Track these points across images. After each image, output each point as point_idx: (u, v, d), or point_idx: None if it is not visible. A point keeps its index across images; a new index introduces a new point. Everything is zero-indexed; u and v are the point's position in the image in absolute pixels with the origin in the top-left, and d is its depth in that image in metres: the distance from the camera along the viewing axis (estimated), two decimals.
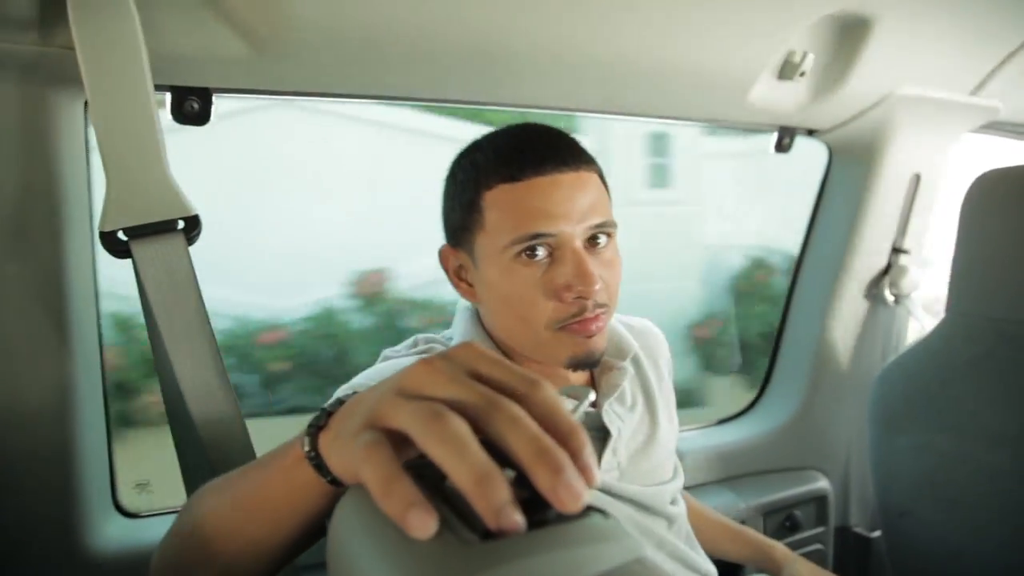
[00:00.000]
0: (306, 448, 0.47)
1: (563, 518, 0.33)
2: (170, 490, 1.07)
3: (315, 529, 0.54)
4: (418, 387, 0.39)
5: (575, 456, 0.35)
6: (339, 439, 0.43)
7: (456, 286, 0.89)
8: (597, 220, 0.80)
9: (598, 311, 0.80)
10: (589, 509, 0.35)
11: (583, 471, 0.34)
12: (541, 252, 0.79)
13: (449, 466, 0.34)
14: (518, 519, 0.32)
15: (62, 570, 1.00)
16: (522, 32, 0.95)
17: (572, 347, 0.81)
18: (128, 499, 1.09)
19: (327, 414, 0.48)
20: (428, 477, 0.36)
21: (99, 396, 1.02)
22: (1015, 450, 1.09)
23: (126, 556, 1.02)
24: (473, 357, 0.40)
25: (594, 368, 0.89)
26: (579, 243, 0.80)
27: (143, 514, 1.09)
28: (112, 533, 1.04)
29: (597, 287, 0.78)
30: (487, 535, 0.32)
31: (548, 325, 0.80)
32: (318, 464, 0.46)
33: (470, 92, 1.08)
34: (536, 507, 0.33)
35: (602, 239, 0.82)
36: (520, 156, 0.80)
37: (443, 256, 0.89)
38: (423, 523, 0.32)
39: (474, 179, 0.82)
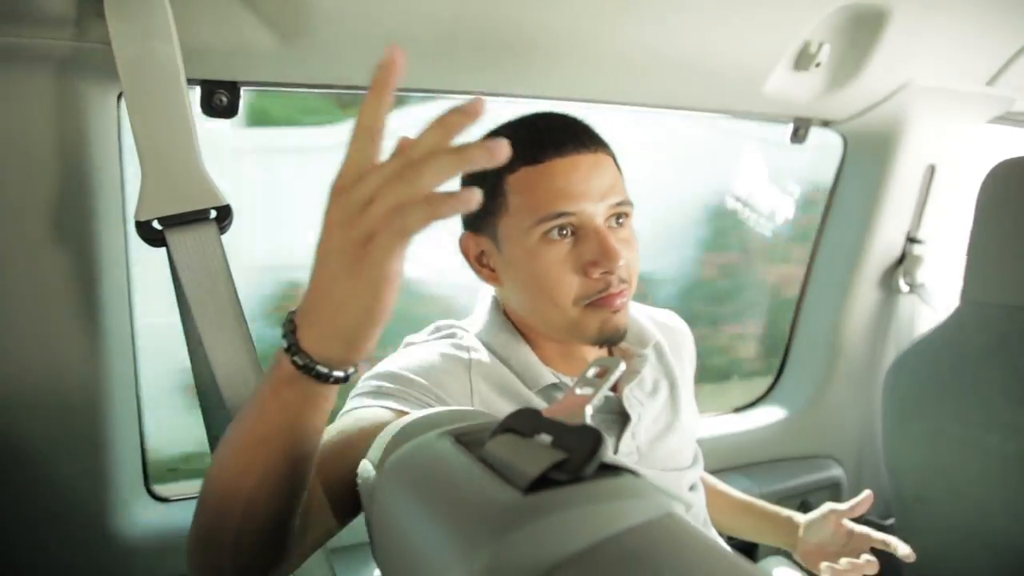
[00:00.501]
0: (284, 345, 0.53)
1: (598, 476, 0.35)
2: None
3: (340, 507, 0.61)
4: (352, 173, 0.50)
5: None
6: (337, 288, 0.51)
7: (478, 272, 0.91)
8: (616, 199, 0.83)
9: (621, 287, 0.83)
10: (622, 469, 0.37)
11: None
12: (565, 231, 0.82)
13: (434, 170, 0.48)
14: (503, 146, 0.47)
15: (95, 554, 1.03)
16: (540, 23, 0.97)
17: (599, 322, 0.84)
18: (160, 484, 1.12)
19: (290, 320, 0.54)
20: (467, 443, 0.38)
21: (132, 383, 1.04)
22: None
23: (158, 540, 1.05)
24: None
25: (618, 344, 0.91)
26: (600, 221, 0.82)
27: (175, 498, 1.12)
28: (145, 518, 1.07)
29: (621, 263, 0.81)
30: (528, 491, 0.34)
31: (576, 301, 0.83)
32: (302, 361, 0.52)
33: (489, 84, 1.09)
34: (573, 467, 0.35)
35: (621, 218, 0.85)
36: (540, 139, 0.83)
37: (463, 243, 0.91)
38: (467, 196, 0.48)
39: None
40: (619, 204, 0.84)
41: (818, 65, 1.19)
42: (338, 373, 0.54)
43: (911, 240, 1.57)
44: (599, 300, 0.83)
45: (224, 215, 0.84)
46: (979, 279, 1.20)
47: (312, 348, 0.52)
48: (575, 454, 0.35)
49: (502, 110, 0.90)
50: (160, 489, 1.11)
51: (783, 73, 1.21)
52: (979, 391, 1.16)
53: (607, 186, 0.83)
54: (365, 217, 0.48)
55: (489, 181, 0.84)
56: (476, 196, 0.48)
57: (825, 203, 1.61)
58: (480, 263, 0.90)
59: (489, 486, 0.35)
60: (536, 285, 0.83)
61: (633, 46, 1.05)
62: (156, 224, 0.81)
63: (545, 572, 0.29)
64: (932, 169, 1.52)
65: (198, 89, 0.94)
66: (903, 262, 1.57)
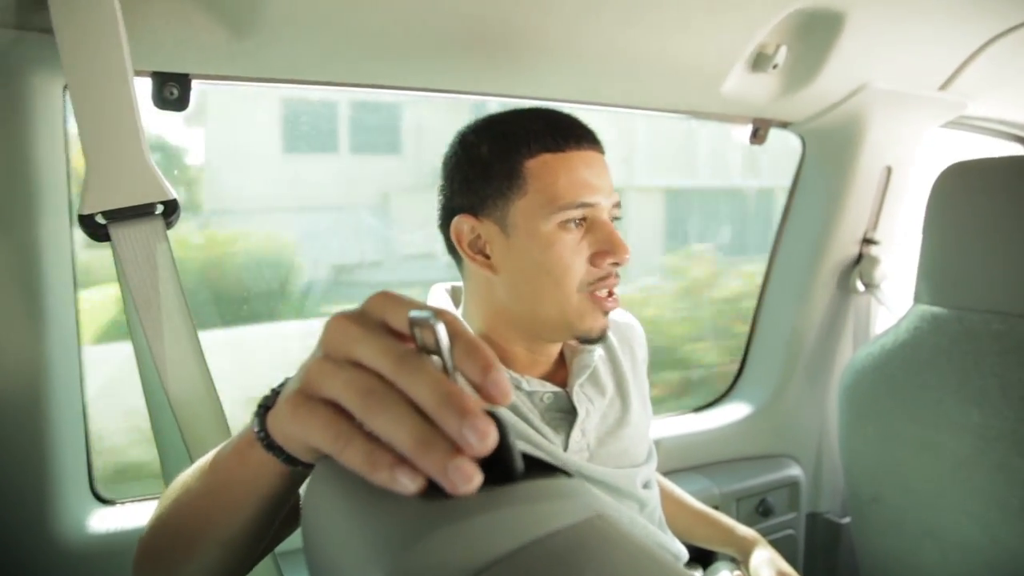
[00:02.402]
0: (255, 428, 0.47)
1: (528, 477, 0.34)
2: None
3: (286, 513, 0.55)
4: (338, 347, 0.39)
5: (485, 372, 0.35)
6: (285, 414, 0.40)
7: (471, 259, 0.88)
8: (616, 198, 0.88)
9: (615, 284, 0.87)
10: (554, 470, 0.36)
11: (493, 383, 0.35)
12: (580, 222, 0.85)
13: (390, 435, 0.34)
14: (470, 472, 0.32)
15: (39, 558, 1.00)
16: (498, 20, 0.96)
17: (592, 319, 0.87)
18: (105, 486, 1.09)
19: (275, 394, 0.48)
20: None
21: (76, 382, 1.01)
22: (975, 438, 1.12)
23: (104, 544, 1.02)
24: (384, 306, 0.40)
25: (601, 342, 0.92)
26: (607, 216, 0.87)
27: (121, 501, 1.09)
28: (89, 521, 1.04)
29: (627, 256, 0.85)
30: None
31: (580, 286, 0.85)
32: (269, 444, 0.45)
33: (449, 81, 1.09)
34: (499, 466, 0.34)
35: (616, 219, 0.89)
36: (561, 129, 0.85)
37: (458, 227, 0.88)
38: (413, 479, 0.33)
39: (512, 148, 0.85)
40: (617, 204, 0.88)
41: (775, 67, 1.20)
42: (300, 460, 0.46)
43: (867, 241, 1.59)
44: (598, 292, 0.86)
45: (171, 210, 0.82)
46: (930, 281, 1.22)
47: (275, 434, 0.45)
48: (500, 453, 0.34)
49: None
50: (106, 492, 1.08)
51: (741, 74, 1.22)
52: (931, 392, 1.17)
53: (611, 184, 0.87)
54: (324, 386, 0.38)
55: (505, 164, 0.85)
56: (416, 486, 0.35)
57: (785, 204, 1.62)
58: (474, 249, 0.88)
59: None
60: (545, 271, 0.84)
61: (593, 45, 1.05)
62: (100, 218, 0.79)
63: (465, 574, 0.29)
64: (888, 171, 1.54)
65: (149, 81, 0.92)
66: (860, 262, 1.60)
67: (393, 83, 1.07)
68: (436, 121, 1.72)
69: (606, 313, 0.87)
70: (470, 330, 0.37)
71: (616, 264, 0.85)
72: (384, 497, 0.34)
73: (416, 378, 0.35)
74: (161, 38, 0.85)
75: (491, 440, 0.33)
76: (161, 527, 0.57)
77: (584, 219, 0.85)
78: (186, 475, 0.57)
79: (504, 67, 1.07)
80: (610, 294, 0.87)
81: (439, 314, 0.37)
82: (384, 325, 0.39)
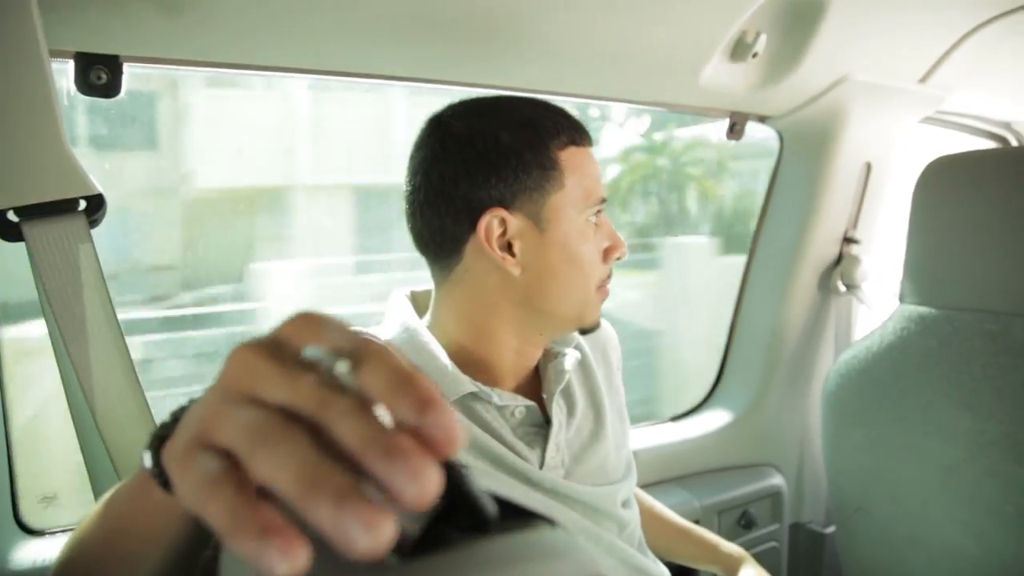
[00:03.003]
0: (147, 464, 0.38)
1: (505, 527, 0.27)
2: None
3: (207, 563, 0.46)
4: (242, 385, 0.30)
5: (423, 410, 0.26)
6: (174, 459, 0.31)
7: (500, 257, 0.79)
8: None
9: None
10: (535, 517, 0.28)
11: (437, 430, 0.26)
12: (596, 217, 0.84)
13: (273, 479, 0.26)
14: (374, 519, 0.24)
15: None
16: (465, 4, 0.89)
17: (596, 311, 0.87)
18: (32, 515, 0.99)
19: (174, 420, 0.39)
20: None
21: None
22: (967, 443, 1.07)
23: None
24: (301, 332, 0.31)
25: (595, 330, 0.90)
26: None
27: (49, 531, 0.99)
28: (13, 553, 0.94)
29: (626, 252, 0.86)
30: (413, 553, 0.25)
31: (596, 284, 0.85)
32: (166, 483, 0.37)
33: (408, 68, 1.01)
34: (466, 511, 0.26)
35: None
36: (576, 124, 0.83)
37: (489, 221, 0.78)
38: (287, 551, 0.24)
39: (544, 137, 0.79)
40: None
41: (755, 56, 1.14)
42: None
43: (848, 240, 1.54)
44: (604, 290, 0.86)
45: (96, 206, 0.73)
46: (916, 281, 1.17)
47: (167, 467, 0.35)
48: (464, 495, 0.26)
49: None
50: (33, 521, 0.98)
51: (720, 64, 1.16)
52: (920, 396, 1.13)
53: None
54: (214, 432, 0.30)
55: (537, 155, 0.78)
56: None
57: (763, 202, 1.57)
58: (500, 245, 0.79)
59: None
60: (577, 266, 0.82)
61: (565, 32, 0.99)
62: (12, 215, 0.70)
63: None
64: (868, 167, 1.50)
65: (71, 64, 0.83)
66: (840, 262, 1.55)
67: (348, 69, 0.99)
68: (200, 110, 1.48)
69: (602, 301, 0.87)
70: (404, 358, 0.29)
71: (619, 258, 0.86)
72: (322, 552, 0.25)
73: (344, 414, 0.26)
74: (84, 14, 0.77)
75: (432, 486, 0.24)
76: (67, 567, 0.48)
77: (598, 214, 0.84)
78: (94, 509, 0.48)
79: (470, 54, 1.00)
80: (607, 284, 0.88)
81: (365, 347, 0.28)
82: (300, 359, 0.30)
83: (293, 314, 0.32)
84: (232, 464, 0.27)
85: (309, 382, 0.28)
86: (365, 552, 0.23)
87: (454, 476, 0.26)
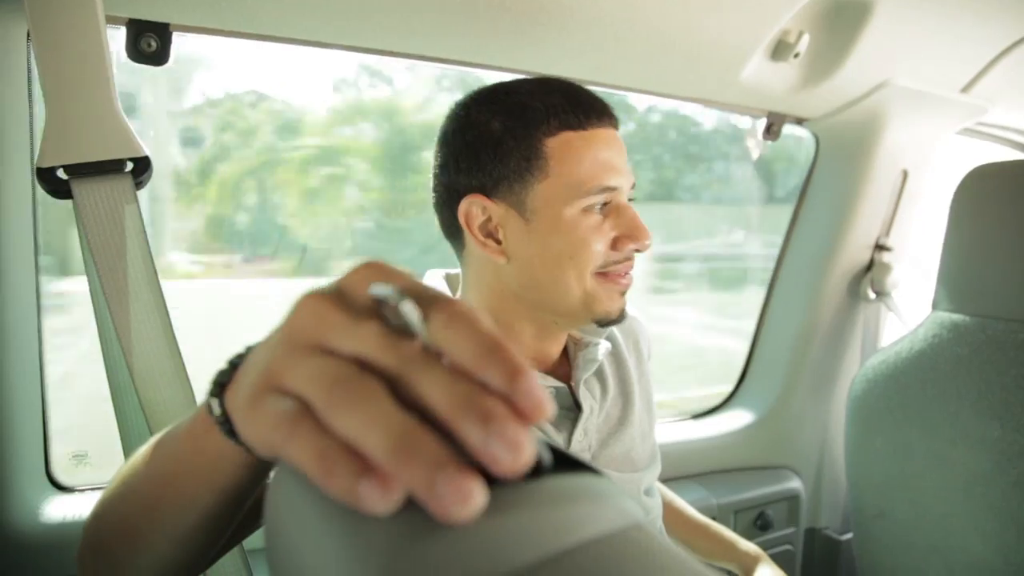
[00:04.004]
0: (215, 412, 0.38)
1: (555, 471, 0.27)
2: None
3: (248, 506, 0.47)
4: (310, 335, 0.30)
5: (513, 379, 0.26)
6: (242, 404, 0.32)
7: (481, 244, 0.80)
8: (633, 179, 0.82)
9: (631, 267, 0.82)
10: (581, 465, 0.29)
11: (527, 399, 0.26)
12: (601, 206, 0.79)
13: (359, 437, 0.25)
14: (468, 489, 0.23)
15: None
16: None
17: (608, 300, 0.81)
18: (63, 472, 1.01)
19: (232, 367, 0.38)
20: None
21: (35, 358, 0.94)
22: (994, 454, 1.06)
23: (60, 533, 0.94)
24: (368, 280, 0.31)
25: (619, 323, 0.86)
26: (625, 199, 0.81)
27: (79, 488, 1.01)
28: (45, 508, 0.96)
29: (650, 241, 0.80)
30: None
31: (596, 268, 0.79)
32: (231, 430, 0.37)
33: (449, 49, 1.02)
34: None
35: (632, 200, 0.84)
36: (582, 105, 0.78)
37: (468, 209, 0.79)
38: (383, 491, 0.24)
39: (529, 125, 0.77)
40: (633, 185, 0.83)
41: (797, 56, 1.14)
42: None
43: (880, 247, 1.53)
44: (613, 271, 0.81)
45: (143, 168, 0.74)
46: (951, 288, 1.16)
47: (233, 415, 0.36)
48: None
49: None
50: (64, 478, 1.00)
51: (760, 62, 1.15)
52: (948, 404, 1.11)
53: (628, 165, 0.81)
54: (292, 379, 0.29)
55: (521, 143, 0.77)
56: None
57: (795, 205, 1.56)
58: (484, 232, 0.80)
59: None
60: (567, 256, 0.78)
61: (609, 19, 0.99)
62: (61, 173, 0.71)
63: None
64: (905, 174, 1.48)
65: (123, 31, 0.84)
66: (871, 269, 1.53)
67: (391, 48, 0.99)
68: None
69: (623, 293, 0.82)
70: (489, 322, 0.28)
71: (637, 250, 0.81)
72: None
73: (428, 374, 0.26)
74: None
75: (528, 455, 0.24)
76: (105, 515, 0.49)
77: (607, 203, 0.79)
78: (136, 456, 0.49)
79: (510, 36, 1.00)
80: (629, 274, 0.83)
81: (443, 301, 0.28)
82: (369, 308, 0.30)
83: (359, 263, 0.31)
84: (307, 407, 0.28)
85: (383, 333, 0.28)
86: (456, 520, 0.24)
87: None
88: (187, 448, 0.42)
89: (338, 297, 0.30)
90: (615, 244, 0.80)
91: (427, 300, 0.29)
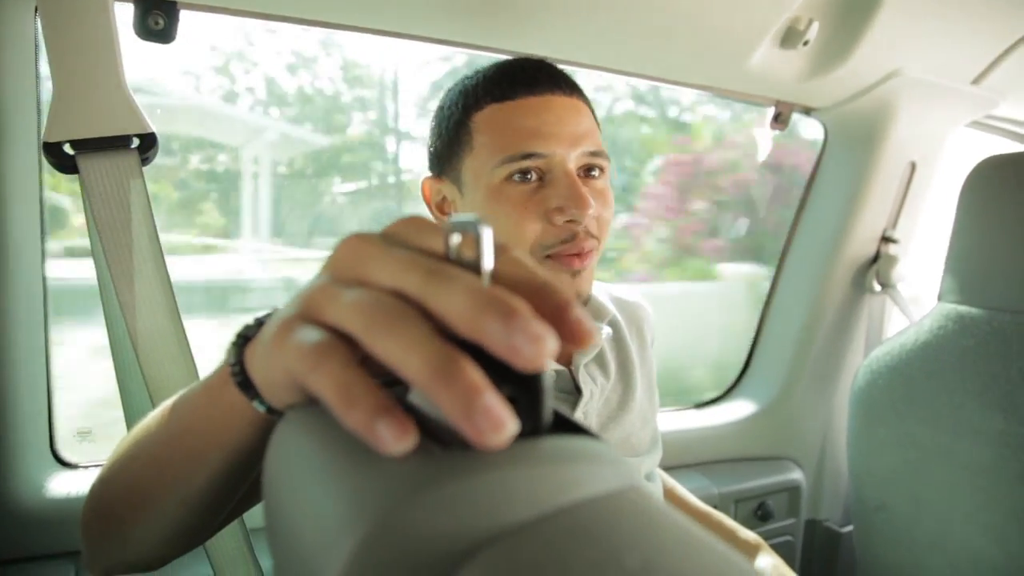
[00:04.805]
0: (230, 362, 0.38)
1: (548, 432, 0.27)
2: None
3: (253, 476, 0.47)
4: (352, 267, 0.30)
5: (561, 312, 0.26)
6: (263, 344, 0.33)
7: (439, 220, 0.83)
8: (591, 148, 0.78)
9: (588, 244, 0.76)
10: (581, 429, 0.29)
11: (572, 327, 0.26)
12: (530, 175, 0.76)
13: (399, 361, 0.26)
14: (503, 417, 0.24)
15: None
16: None
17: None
18: (68, 449, 1.01)
19: (258, 324, 0.40)
20: (390, 391, 0.29)
21: (40, 334, 0.94)
22: (997, 446, 1.06)
23: (64, 508, 0.95)
24: (410, 229, 0.32)
25: None
26: (572, 167, 0.76)
27: (84, 464, 1.01)
28: (49, 484, 0.96)
29: (590, 211, 0.74)
30: (454, 446, 0.26)
31: (534, 250, 0.76)
32: (243, 382, 0.37)
33: (461, 33, 1.01)
34: (525, 414, 0.27)
35: (595, 170, 0.79)
36: (512, 77, 0.77)
37: (425, 188, 0.86)
38: (399, 432, 0.25)
39: (462, 103, 0.79)
40: (594, 154, 0.78)
41: (806, 43, 1.13)
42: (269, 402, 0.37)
43: (886, 239, 1.52)
44: (560, 254, 0.76)
45: (148, 144, 0.75)
46: (958, 280, 1.15)
47: (253, 371, 0.37)
48: (522, 399, 0.27)
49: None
50: (68, 454, 1.01)
51: (769, 49, 1.15)
52: (952, 396, 1.11)
53: (582, 131, 0.76)
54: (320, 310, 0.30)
55: (454, 119, 0.79)
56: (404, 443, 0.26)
57: (802, 195, 1.55)
58: (440, 210, 0.84)
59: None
60: (499, 229, 0.74)
61: (619, 5, 0.98)
62: (68, 148, 0.72)
63: (467, 547, 0.22)
64: (913, 166, 1.48)
65: (131, 8, 0.84)
66: (877, 261, 1.53)
67: (397, 30, 0.99)
68: None
69: (575, 274, 0.77)
70: (535, 264, 0.29)
71: (573, 221, 0.75)
72: (361, 452, 0.26)
73: (451, 285, 0.26)
74: None
75: (550, 348, 0.25)
76: (113, 478, 0.50)
77: (539, 171, 0.76)
78: (147, 419, 0.50)
79: (516, 20, 0.99)
80: (580, 255, 0.76)
81: (503, 244, 0.29)
82: (410, 247, 0.31)
83: (402, 216, 0.32)
84: (336, 339, 0.28)
85: (419, 258, 0.28)
86: (489, 445, 0.24)
87: (531, 379, 0.27)
88: (201, 403, 0.43)
89: (380, 237, 0.31)
90: (550, 216, 0.75)
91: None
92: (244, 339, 0.39)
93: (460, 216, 0.29)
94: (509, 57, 0.82)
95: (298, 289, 0.33)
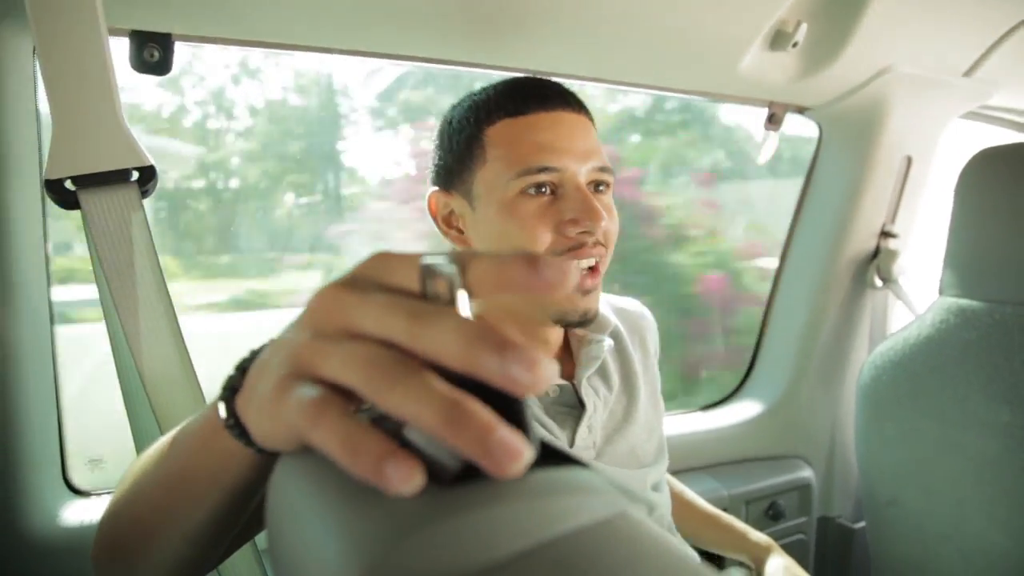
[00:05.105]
0: (222, 415, 0.39)
1: (539, 466, 0.28)
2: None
3: (256, 504, 0.48)
4: (334, 319, 0.31)
5: (534, 268, 0.28)
6: (258, 401, 0.34)
7: (445, 234, 0.85)
8: (600, 163, 0.80)
9: (597, 251, 0.78)
10: (569, 459, 0.30)
11: (546, 276, 0.27)
12: (545, 188, 0.77)
13: (411, 412, 0.26)
14: (518, 448, 0.25)
15: (8, 552, 0.94)
16: None
17: (564, 300, 0.79)
18: (79, 477, 1.02)
19: (241, 372, 0.40)
20: (386, 427, 0.30)
21: (48, 363, 0.95)
22: (1005, 438, 1.06)
23: (77, 537, 0.96)
24: (381, 267, 0.32)
25: (585, 327, 0.85)
26: (583, 181, 0.78)
27: (96, 492, 1.03)
28: (62, 513, 0.98)
29: (602, 223, 0.76)
30: (450, 483, 0.27)
31: None
32: (241, 432, 0.38)
33: (448, 51, 1.02)
34: None
35: (603, 185, 0.82)
36: (524, 93, 0.79)
37: (431, 202, 0.85)
38: (406, 473, 0.26)
39: (474, 117, 0.80)
40: (602, 169, 0.80)
41: (795, 45, 1.14)
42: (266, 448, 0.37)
43: (885, 234, 1.53)
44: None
45: (148, 177, 0.76)
46: (958, 273, 1.15)
47: (248, 421, 0.38)
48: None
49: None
50: (80, 482, 1.02)
51: (759, 53, 1.15)
52: (957, 389, 1.11)
53: (591, 147, 0.79)
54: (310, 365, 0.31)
55: (466, 134, 0.80)
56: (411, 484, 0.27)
57: (799, 194, 1.56)
58: (448, 224, 0.84)
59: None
60: (507, 242, 0.78)
61: (605, 15, 0.99)
62: (69, 184, 0.73)
63: None
64: (908, 161, 1.48)
65: (127, 41, 0.86)
66: (877, 256, 1.53)
67: (390, 51, 1.00)
68: None
69: (585, 293, 0.79)
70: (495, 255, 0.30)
71: (586, 233, 0.77)
72: (364, 488, 0.27)
73: (437, 325, 0.27)
74: None
75: (548, 374, 0.26)
76: (118, 515, 0.51)
77: (552, 185, 0.78)
78: (146, 456, 0.50)
79: (507, 36, 1.01)
80: (591, 271, 0.79)
81: (474, 257, 0.29)
82: (385, 288, 0.31)
83: (369, 254, 0.33)
84: (331, 393, 0.29)
85: (395, 297, 0.29)
86: (510, 474, 0.25)
87: (514, 408, 0.27)
88: (196, 450, 0.44)
89: (353, 283, 0.32)
90: (561, 228, 0.77)
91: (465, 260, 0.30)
92: (232, 390, 0.39)
93: (433, 258, 0.30)
94: (504, 74, 0.84)
95: (277, 341, 0.34)
